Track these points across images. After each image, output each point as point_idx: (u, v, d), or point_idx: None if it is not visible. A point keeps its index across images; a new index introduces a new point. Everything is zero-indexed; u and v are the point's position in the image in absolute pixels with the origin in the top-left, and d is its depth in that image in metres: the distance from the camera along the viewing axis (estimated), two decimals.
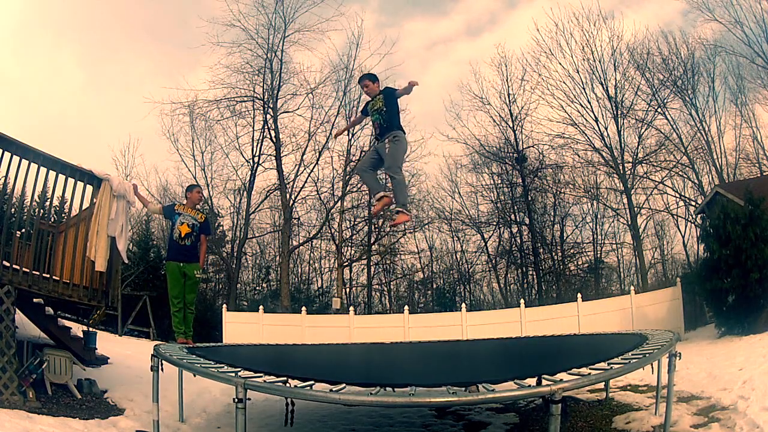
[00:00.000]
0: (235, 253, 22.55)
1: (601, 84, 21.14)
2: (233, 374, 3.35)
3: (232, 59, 20.41)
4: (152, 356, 4.37)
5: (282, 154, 20.89)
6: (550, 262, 23.39)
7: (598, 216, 23.38)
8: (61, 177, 5.70)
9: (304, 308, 17.01)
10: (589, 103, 21.29)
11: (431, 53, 38.28)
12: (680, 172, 21.15)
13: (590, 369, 3.23)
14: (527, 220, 23.12)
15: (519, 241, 23.53)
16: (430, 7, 38.77)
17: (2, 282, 4.99)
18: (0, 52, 33.32)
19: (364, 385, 3.31)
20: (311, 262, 27.62)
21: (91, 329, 7.25)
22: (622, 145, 20.90)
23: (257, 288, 26.83)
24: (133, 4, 36.87)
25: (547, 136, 22.24)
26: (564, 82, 21.64)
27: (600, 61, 21.24)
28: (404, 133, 5.13)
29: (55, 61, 36.26)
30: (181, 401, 5.49)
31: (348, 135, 22.28)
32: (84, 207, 5.94)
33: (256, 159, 21.40)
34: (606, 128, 21.08)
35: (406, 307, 17.68)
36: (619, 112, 20.86)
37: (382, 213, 5.70)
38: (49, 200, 6.00)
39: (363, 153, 22.19)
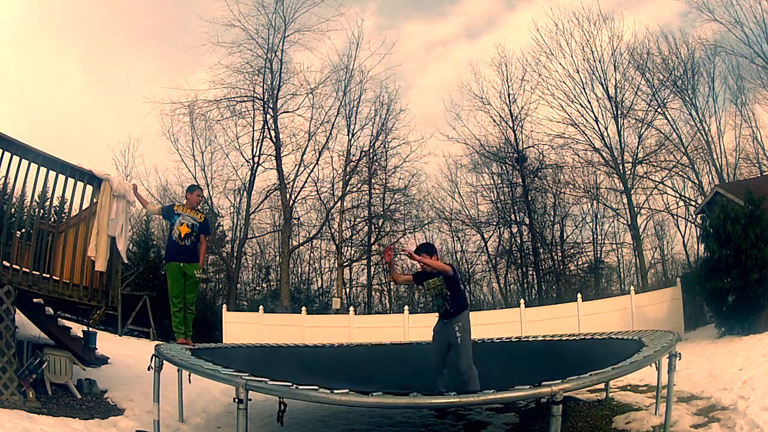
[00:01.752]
0: (235, 253, 22.55)
1: (601, 84, 21.17)
2: (234, 375, 3.34)
3: (232, 59, 20.45)
4: (153, 356, 4.37)
5: (282, 154, 20.91)
6: (550, 262, 23.39)
7: (598, 216, 23.40)
8: (61, 177, 5.70)
9: (304, 308, 17.01)
10: (589, 103, 21.33)
11: (430, 55, 38.37)
12: (680, 172, 21.15)
13: (591, 372, 3.22)
14: (527, 220, 23.12)
15: (519, 241, 23.54)
16: (428, 9, 38.84)
17: (2, 282, 4.99)
18: (1, 53, 33.35)
19: (365, 386, 3.31)
20: (311, 262, 27.64)
21: (91, 329, 7.27)
22: (622, 145, 20.92)
23: (257, 288, 26.83)
24: (133, 6, 36.91)
25: (547, 136, 22.27)
26: (564, 82, 21.68)
27: (600, 61, 21.27)
28: (468, 308, 4.96)
29: (56, 63, 36.35)
30: (181, 401, 5.49)
31: (349, 136, 22.35)
32: (84, 207, 5.95)
33: (256, 159, 21.43)
34: (606, 128, 21.12)
35: (406, 307, 17.68)
36: (619, 112, 20.87)
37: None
38: (49, 200, 6.01)
39: (363, 153, 22.25)
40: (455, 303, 4.89)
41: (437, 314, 5.07)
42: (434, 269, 4.92)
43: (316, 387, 3.11)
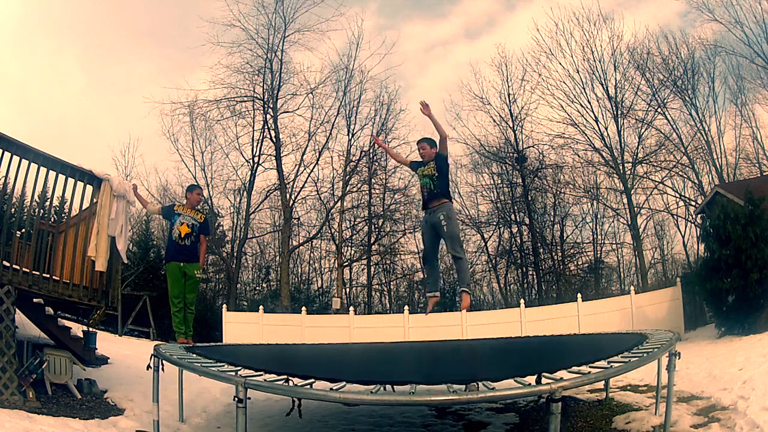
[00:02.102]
0: (235, 253, 22.55)
1: (601, 84, 21.17)
2: (234, 373, 3.35)
3: (232, 59, 20.44)
4: (152, 356, 4.37)
5: (282, 154, 20.90)
6: (550, 262, 23.39)
7: (598, 216, 23.39)
8: (61, 177, 5.70)
9: (304, 308, 17.00)
10: (589, 103, 21.32)
11: (430, 55, 38.38)
12: (680, 172, 21.14)
13: (590, 368, 3.23)
14: (527, 220, 23.12)
15: (519, 241, 23.54)
16: (428, 9, 38.84)
17: (2, 282, 4.99)
18: (1, 53, 33.36)
19: (365, 383, 3.32)
20: (311, 262, 27.63)
21: (91, 329, 7.27)
22: (622, 145, 20.92)
23: (257, 288, 26.83)
24: (133, 6, 36.91)
25: (547, 136, 22.26)
26: (564, 82, 21.67)
27: (600, 61, 21.27)
28: (451, 201, 5.20)
29: (56, 63, 36.33)
30: (181, 401, 5.49)
31: (349, 136, 22.36)
32: (84, 207, 5.95)
33: (256, 159, 21.42)
34: (606, 128, 21.11)
35: (406, 307, 17.68)
36: (619, 112, 20.86)
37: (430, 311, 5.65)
38: (49, 200, 6.01)
39: (363, 153, 22.25)
40: (441, 185, 5.10)
41: (422, 199, 5.30)
42: (439, 126, 5.03)
43: (315, 384, 3.11)
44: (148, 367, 4.34)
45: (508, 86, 23.11)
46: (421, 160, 5.33)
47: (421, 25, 39.13)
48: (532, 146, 22.97)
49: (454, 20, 39.21)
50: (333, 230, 22.98)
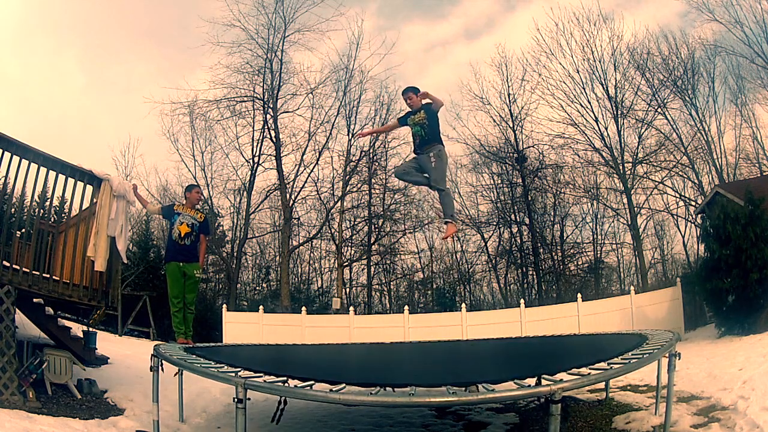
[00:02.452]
0: (235, 253, 22.55)
1: (601, 84, 21.18)
2: (233, 374, 3.34)
3: (232, 59, 20.46)
4: (152, 356, 4.37)
5: (282, 154, 20.91)
6: (550, 262, 23.39)
7: (598, 216, 23.40)
8: (61, 177, 5.70)
9: (304, 308, 17.01)
10: (589, 103, 21.34)
11: (430, 56, 38.41)
12: (680, 172, 21.15)
13: (590, 369, 3.23)
14: (527, 220, 23.12)
15: (519, 241, 23.54)
16: (428, 10, 38.87)
17: (2, 282, 4.99)
18: (1, 53, 33.36)
19: (364, 386, 3.31)
20: (311, 262, 27.64)
21: (91, 329, 7.25)
22: (622, 145, 20.92)
23: (257, 288, 26.83)
24: (133, 6, 36.91)
25: (547, 136, 22.28)
26: (564, 82, 21.68)
27: (600, 61, 21.28)
28: (444, 146, 5.24)
29: (56, 63, 36.35)
30: (181, 401, 5.48)
31: (349, 136, 22.35)
32: (84, 207, 5.94)
33: (256, 159, 21.43)
34: (606, 128, 21.12)
35: (406, 307, 17.68)
36: (619, 112, 20.87)
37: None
38: (49, 200, 6.01)
39: (363, 153, 22.26)
40: (431, 132, 5.16)
41: (413, 146, 5.35)
42: (436, 99, 5.21)
43: (314, 385, 3.11)
44: (152, 368, 4.34)
45: (508, 86, 23.15)
46: (406, 112, 5.41)
47: (421, 26, 39.21)
48: (532, 146, 23.01)
49: (453, 21, 39.29)
50: (333, 230, 22.99)
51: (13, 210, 6.58)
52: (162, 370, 4.37)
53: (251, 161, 21.48)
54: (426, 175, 5.24)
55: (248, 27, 20.35)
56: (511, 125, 23.02)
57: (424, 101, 5.29)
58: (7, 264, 5.16)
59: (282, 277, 20.64)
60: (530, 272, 23.34)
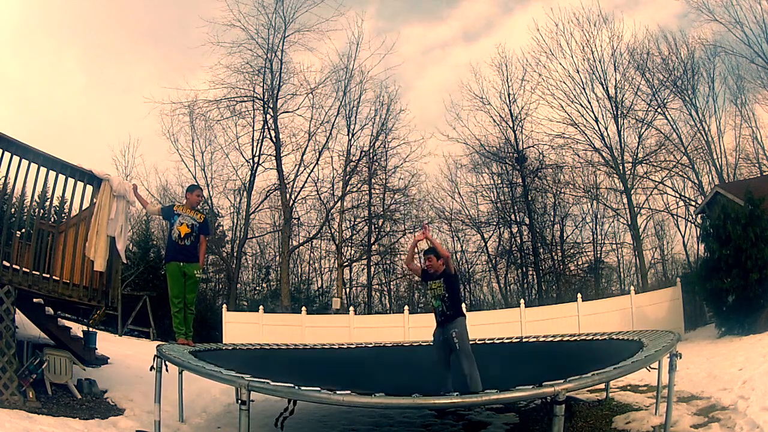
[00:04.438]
0: (235, 253, 22.54)
1: (601, 84, 21.17)
2: (237, 376, 3.34)
3: (232, 59, 20.43)
4: (155, 357, 4.37)
5: (282, 154, 20.90)
6: (550, 262, 23.39)
7: (598, 216, 23.38)
8: (61, 177, 5.70)
9: (304, 308, 17.00)
10: (589, 103, 21.33)
11: (428, 57, 38.49)
12: (680, 172, 21.15)
13: (593, 372, 3.22)
14: (527, 220, 23.11)
15: (519, 241, 23.53)
16: (426, 12, 38.94)
17: (2, 282, 4.99)
18: (1, 53, 33.37)
19: (367, 395, 3.30)
20: (311, 262, 27.63)
21: (91, 329, 7.26)
22: (622, 145, 20.92)
23: (257, 288, 26.82)
24: (133, 7, 36.91)
25: (547, 136, 22.27)
26: (564, 82, 21.67)
27: (600, 62, 21.27)
28: (464, 316, 5.13)
29: (56, 64, 36.34)
30: (181, 401, 5.49)
31: (349, 136, 22.37)
32: (84, 207, 5.94)
33: (256, 159, 21.41)
34: (606, 128, 21.12)
35: (406, 307, 17.68)
36: (619, 112, 20.87)
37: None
38: (49, 200, 6.01)
39: (363, 153, 22.26)
40: (452, 306, 5.10)
41: (435, 318, 5.24)
42: (439, 251, 5.22)
43: (318, 388, 3.10)
44: (151, 368, 4.34)
45: (508, 86, 23.14)
46: (428, 276, 5.30)
47: (420, 28, 39.29)
48: (532, 146, 23.01)
49: (452, 23, 39.36)
50: (333, 230, 22.98)
51: (13, 210, 6.58)
52: (167, 370, 4.38)
53: (251, 161, 21.50)
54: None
55: (248, 27, 20.38)
56: (511, 125, 23.04)
57: (442, 267, 5.16)
58: (7, 264, 5.16)
59: (282, 277, 20.64)
60: (530, 272, 23.34)
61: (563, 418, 2.63)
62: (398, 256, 25.31)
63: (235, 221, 23.55)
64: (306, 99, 21.16)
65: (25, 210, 7.13)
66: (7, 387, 4.76)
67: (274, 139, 20.82)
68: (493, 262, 24.54)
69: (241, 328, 15.90)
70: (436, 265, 5.19)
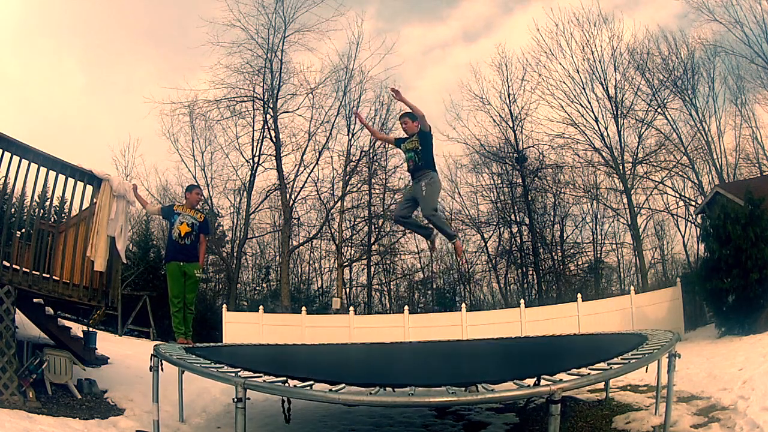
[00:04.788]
0: (235, 253, 22.55)
1: (601, 84, 21.18)
2: (233, 374, 3.35)
3: (232, 59, 20.45)
4: (152, 356, 4.37)
5: (282, 154, 20.91)
6: (550, 262, 23.40)
7: (598, 216, 23.41)
8: (61, 177, 5.70)
9: (304, 308, 17.01)
10: (589, 103, 21.34)
11: (428, 58, 38.52)
12: (680, 172, 21.16)
13: (590, 369, 3.22)
14: (527, 220, 23.12)
15: (519, 241, 23.54)
16: (426, 13, 38.99)
17: (2, 282, 4.99)
18: (1, 53, 33.37)
19: (364, 386, 3.32)
20: (311, 262, 27.64)
21: (91, 329, 7.25)
22: (622, 145, 20.93)
23: (257, 288, 26.83)
24: (133, 7, 36.92)
25: (547, 136, 22.29)
26: (564, 83, 21.69)
27: (600, 62, 21.28)
28: (437, 173, 5.31)
29: (56, 64, 36.33)
30: (181, 401, 5.48)
31: (349, 136, 22.37)
32: (84, 207, 5.94)
33: (256, 159, 21.43)
34: (606, 128, 21.13)
35: (406, 307, 17.68)
36: (619, 112, 20.87)
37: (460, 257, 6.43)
38: (49, 200, 6.01)
39: (363, 153, 22.27)
40: (425, 158, 5.23)
41: (408, 171, 5.45)
42: (414, 108, 5.25)
43: (314, 385, 3.11)
44: (151, 368, 4.34)
45: (508, 86, 23.16)
46: (404, 136, 5.46)
47: (420, 29, 39.31)
48: (532, 146, 23.02)
49: (452, 23, 39.39)
50: (333, 230, 22.99)
51: (13, 210, 6.58)
52: (162, 370, 4.38)
53: (251, 161, 21.51)
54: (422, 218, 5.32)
55: (248, 27, 20.39)
56: (511, 125, 23.05)
57: (417, 128, 5.31)
58: (7, 264, 5.16)
59: (282, 277, 20.64)
60: (530, 272, 23.35)
61: (559, 417, 2.63)
62: (398, 256, 25.36)
63: (235, 221, 23.60)
64: (306, 99, 21.21)
65: (25, 210, 7.13)
66: (7, 387, 4.76)
67: (274, 139, 20.82)
68: (493, 262, 24.55)
69: (241, 328, 15.91)
70: (411, 127, 5.31)
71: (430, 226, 5.41)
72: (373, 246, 23.68)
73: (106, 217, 5.85)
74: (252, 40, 20.49)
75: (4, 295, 4.95)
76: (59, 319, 6.61)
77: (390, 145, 22.91)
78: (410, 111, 5.36)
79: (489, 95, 25.78)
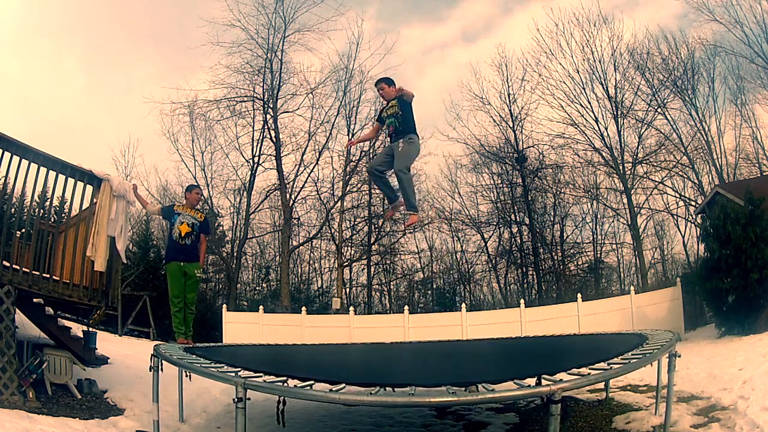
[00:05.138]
0: (235, 253, 22.55)
1: (601, 84, 21.19)
2: (233, 374, 3.34)
3: (232, 59, 20.44)
4: (152, 356, 4.37)
5: (282, 154, 20.91)
6: (550, 262, 23.40)
7: (598, 216, 23.41)
8: (61, 177, 5.70)
9: (304, 308, 17.01)
10: (589, 103, 21.35)
11: (428, 58, 38.58)
12: (680, 172, 21.16)
13: (590, 369, 3.22)
14: (527, 220, 23.13)
15: (519, 241, 23.54)
16: (426, 13, 39.04)
17: (2, 282, 4.99)
18: (1, 53, 33.37)
19: (364, 385, 3.31)
20: (311, 262, 27.64)
21: (91, 329, 7.25)
22: (622, 145, 20.93)
23: (257, 288, 26.83)
24: (134, 7, 36.93)
25: (547, 136, 22.29)
26: (564, 83, 21.70)
27: (600, 62, 21.29)
28: (419, 137, 5.20)
29: (56, 64, 36.34)
30: (181, 401, 5.48)
31: (349, 136, 22.32)
32: (84, 207, 5.94)
33: (256, 159, 21.43)
34: (606, 128, 21.13)
35: (406, 307, 17.68)
36: (619, 112, 20.87)
37: (389, 217, 5.94)
38: (49, 200, 6.01)
39: (363, 153, 22.25)
40: (405, 122, 5.11)
41: (389, 139, 5.30)
42: (406, 93, 5.12)
43: (314, 385, 3.11)
44: (151, 368, 4.34)
45: (508, 86, 23.17)
46: (381, 109, 5.41)
47: (419, 29, 39.35)
48: (532, 146, 23.03)
49: (451, 24, 39.44)
50: (333, 230, 22.99)
51: (13, 210, 6.58)
52: (161, 370, 4.37)
53: (251, 161, 21.51)
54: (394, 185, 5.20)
55: (248, 27, 20.38)
56: (511, 125, 23.06)
57: (397, 93, 5.22)
58: (7, 264, 5.16)
59: (282, 277, 20.64)
60: (530, 272, 23.35)
61: (559, 417, 2.63)
62: (398, 256, 25.36)
63: (235, 221, 23.61)
64: (306, 99, 21.21)
65: (25, 210, 7.13)
66: (7, 387, 4.76)
67: (274, 139, 20.82)
68: (493, 262, 24.55)
69: (241, 328, 15.91)
70: (389, 92, 5.20)
71: (398, 193, 5.27)
72: (373, 246, 23.69)
73: (106, 217, 5.84)
74: (252, 40, 20.52)
75: (4, 295, 4.95)
76: (59, 319, 6.61)
77: None
78: (386, 77, 5.36)
79: (489, 95, 25.83)
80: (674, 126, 20.87)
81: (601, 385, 6.22)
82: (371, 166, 5.69)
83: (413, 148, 5.14)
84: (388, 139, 5.31)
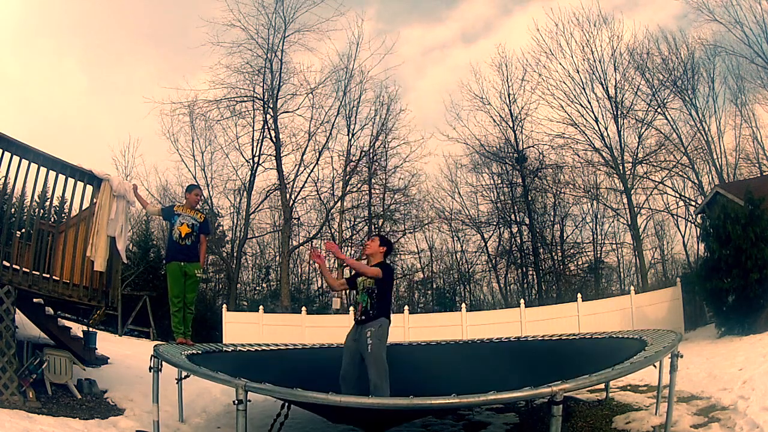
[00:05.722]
0: (235, 253, 22.54)
1: (601, 84, 21.17)
2: (234, 377, 3.33)
3: (232, 59, 20.42)
4: (152, 357, 4.37)
5: (282, 154, 20.89)
6: (550, 262, 23.39)
7: (598, 216, 23.41)
8: (61, 177, 5.70)
9: (304, 308, 17.02)
10: (589, 103, 21.33)
11: (428, 58, 38.64)
12: (680, 172, 21.15)
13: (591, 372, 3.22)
14: (527, 220, 23.12)
15: (519, 241, 23.54)
16: (426, 14, 39.10)
17: (2, 282, 4.99)
18: (1, 53, 33.38)
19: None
20: (311, 262, 27.58)
21: (91, 329, 7.27)
22: (622, 145, 20.92)
23: (257, 288, 26.83)
24: (134, 7, 36.93)
25: (547, 136, 22.28)
26: (564, 83, 21.68)
27: (600, 62, 21.27)
28: (389, 321, 4.49)
29: (57, 64, 36.37)
30: (181, 401, 5.48)
31: (349, 136, 22.34)
32: (84, 207, 5.94)
33: (256, 159, 21.41)
34: (606, 128, 21.12)
35: (406, 307, 17.68)
36: (619, 112, 20.86)
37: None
38: (49, 200, 6.01)
39: (363, 153, 22.28)
40: (379, 304, 4.45)
41: (354, 317, 4.68)
42: (364, 273, 4.55)
43: (315, 389, 3.10)
44: (151, 368, 4.34)
45: (508, 86, 23.16)
46: (355, 274, 4.73)
47: (419, 30, 39.41)
48: (532, 146, 23.02)
49: (451, 24, 39.49)
50: (333, 230, 22.98)
51: (13, 210, 6.58)
52: (161, 370, 4.37)
53: (251, 161, 21.49)
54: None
55: (248, 27, 20.36)
56: (511, 125, 23.05)
57: (381, 256, 4.59)
58: (7, 264, 5.16)
59: (282, 277, 20.63)
60: (530, 272, 23.34)
61: (561, 418, 2.63)
62: (398, 256, 25.33)
63: (235, 221, 23.60)
64: (306, 99, 21.18)
65: (25, 210, 7.13)
66: (7, 387, 4.76)
67: (274, 139, 20.81)
68: (493, 262, 24.55)
69: (241, 328, 15.91)
70: (374, 248, 4.65)
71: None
72: None
73: (106, 217, 5.84)
74: (252, 40, 20.50)
75: (4, 295, 4.94)
76: (59, 319, 6.61)
77: (391, 145, 22.99)
78: (385, 237, 4.80)
79: (489, 95, 25.78)
80: (674, 126, 20.90)
81: (602, 386, 6.21)
82: (343, 376, 4.54)
83: (383, 339, 4.35)
84: (354, 315, 4.66)
